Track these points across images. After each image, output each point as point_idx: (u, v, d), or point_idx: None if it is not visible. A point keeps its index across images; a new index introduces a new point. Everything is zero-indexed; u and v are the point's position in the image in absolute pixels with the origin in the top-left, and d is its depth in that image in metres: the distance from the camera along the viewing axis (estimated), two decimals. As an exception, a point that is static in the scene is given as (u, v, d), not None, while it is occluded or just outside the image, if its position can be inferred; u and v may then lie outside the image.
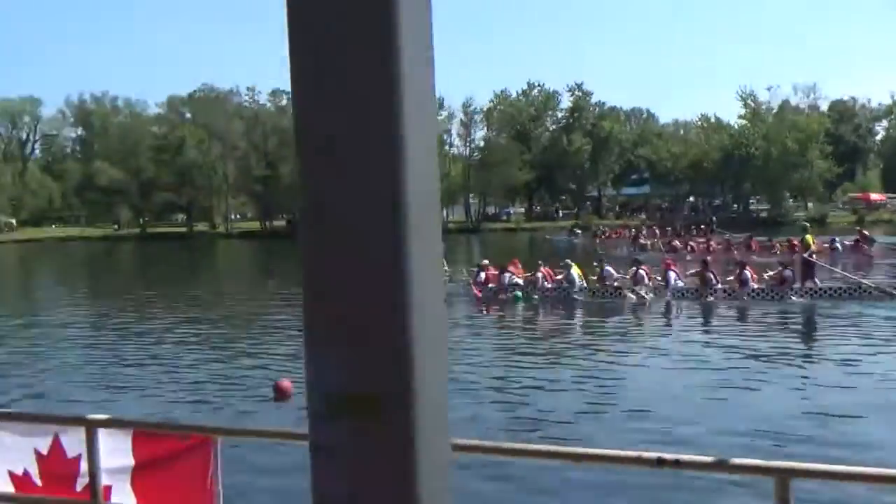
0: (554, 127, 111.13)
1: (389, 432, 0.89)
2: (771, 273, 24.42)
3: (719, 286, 23.99)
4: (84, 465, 3.88)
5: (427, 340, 0.89)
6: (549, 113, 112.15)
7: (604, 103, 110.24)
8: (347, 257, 0.88)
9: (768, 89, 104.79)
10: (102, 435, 3.80)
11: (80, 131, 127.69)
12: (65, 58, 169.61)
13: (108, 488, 3.92)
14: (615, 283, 25.31)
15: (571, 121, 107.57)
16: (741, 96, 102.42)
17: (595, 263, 27.09)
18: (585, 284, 25.51)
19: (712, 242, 41.90)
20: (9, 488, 4.15)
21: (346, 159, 0.86)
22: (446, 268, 27.59)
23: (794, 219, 79.47)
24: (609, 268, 25.99)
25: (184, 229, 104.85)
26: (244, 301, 27.26)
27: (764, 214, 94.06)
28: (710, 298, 23.60)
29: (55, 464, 4.07)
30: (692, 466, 2.99)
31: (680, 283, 24.92)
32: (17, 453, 4.13)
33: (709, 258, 27.42)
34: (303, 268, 0.85)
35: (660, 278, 25.15)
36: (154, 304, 27.52)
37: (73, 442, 3.98)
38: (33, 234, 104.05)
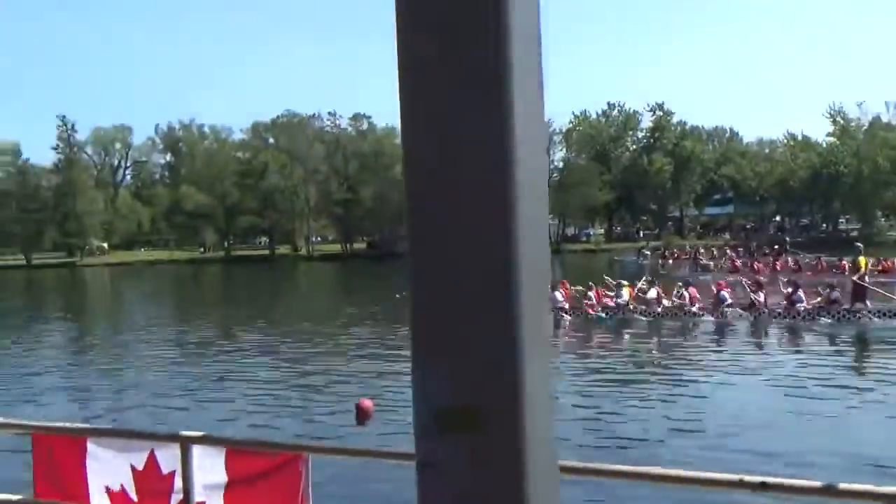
0: (634, 147, 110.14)
1: (496, 447, 0.87)
2: (820, 295, 24.12)
3: (765, 308, 23.82)
4: (178, 481, 3.93)
5: (534, 354, 0.87)
6: (630, 133, 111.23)
7: (685, 122, 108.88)
8: (455, 270, 0.85)
9: (858, 105, 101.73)
10: (196, 451, 3.85)
11: (168, 157, 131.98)
12: (154, 86, 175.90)
13: (202, 504, 3.96)
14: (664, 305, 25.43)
15: (652, 141, 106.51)
16: (830, 113, 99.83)
17: (680, 284, 27.01)
18: (632, 305, 25.82)
19: (779, 262, 41.30)
20: (105, 503, 4.24)
21: (454, 177, 0.84)
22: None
23: (885, 238, 76.88)
24: (687, 291, 25.91)
25: (266, 252, 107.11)
26: (326, 321, 27.56)
27: (854, 233, 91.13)
28: (756, 317, 23.55)
29: (150, 479, 4.13)
30: (796, 491, 2.86)
31: (730, 303, 24.70)
32: (114, 468, 4.21)
33: (760, 278, 27.44)
34: (410, 282, 0.88)
35: (711, 299, 25.16)
36: (240, 324, 28.07)
37: (168, 458, 4.04)
38: (124, 258, 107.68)
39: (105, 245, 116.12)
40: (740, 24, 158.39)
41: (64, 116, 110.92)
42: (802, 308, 23.25)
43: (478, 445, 0.87)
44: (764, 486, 2.79)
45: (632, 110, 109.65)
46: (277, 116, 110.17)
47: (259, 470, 3.87)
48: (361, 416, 12.05)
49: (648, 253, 62.50)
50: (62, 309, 41.78)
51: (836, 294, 23.46)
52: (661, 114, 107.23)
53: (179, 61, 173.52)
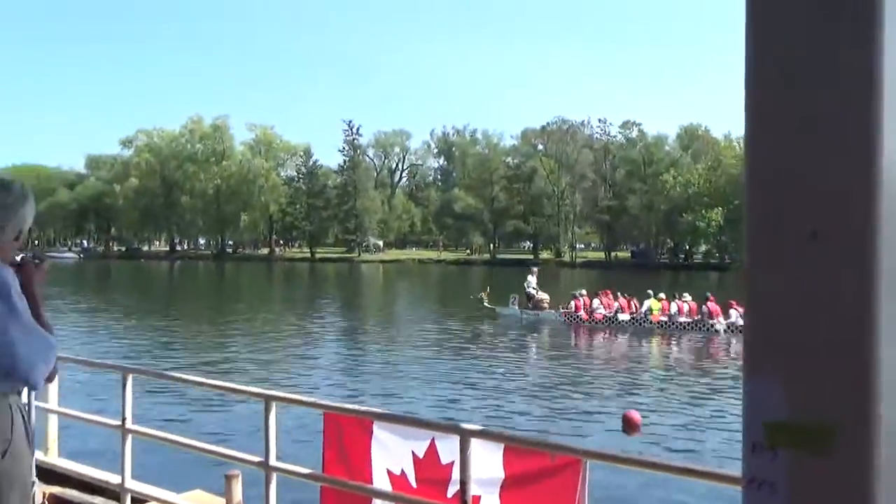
0: None
1: (843, 469, 0.78)
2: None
3: None
4: (456, 473, 4.00)
5: (892, 365, 0.78)
6: None
7: None
8: (798, 270, 0.79)
9: None
10: (475, 445, 3.89)
11: (441, 161, 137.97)
12: (434, 92, 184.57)
13: (477, 498, 3.99)
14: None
15: None
16: None
17: None
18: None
19: None
20: (387, 486, 4.42)
21: (810, 182, 0.79)
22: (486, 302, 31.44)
23: None
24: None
25: (530, 256, 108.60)
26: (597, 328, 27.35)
27: None
28: None
29: (430, 468, 4.24)
30: None
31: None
32: (397, 453, 4.37)
33: None
34: (747, 284, 0.80)
35: None
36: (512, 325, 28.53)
37: (448, 449, 4.13)
38: (396, 255, 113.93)
39: (381, 242, 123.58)
40: None
41: (350, 121, 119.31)
42: None
43: (820, 465, 0.79)
44: None
45: None
46: (548, 123, 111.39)
47: (536, 470, 3.84)
48: (628, 427, 11.82)
49: None
50: (343, 300, 44.87)
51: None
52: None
53: (458, 68, 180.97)
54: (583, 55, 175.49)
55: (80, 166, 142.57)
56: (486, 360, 20.19)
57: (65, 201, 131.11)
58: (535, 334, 26.94)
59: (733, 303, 25.68)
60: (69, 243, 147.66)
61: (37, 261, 3.19)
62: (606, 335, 26.06)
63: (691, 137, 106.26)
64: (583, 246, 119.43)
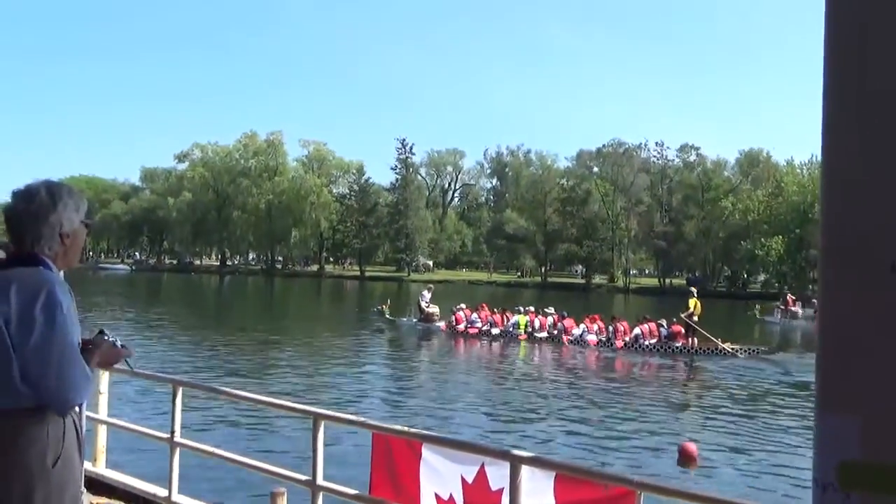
0: None
1: None
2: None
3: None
4: (506, 500, 3.96)
5: None
6: None
7: None
8: (878, 302, 0.74)
9: None
10: (525, 472, 3.85)
11: (494, 182, 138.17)
12: (488, 112, 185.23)
13: (528, 527, 3.94)
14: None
15: None
16: None
17: None
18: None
19: None
20: (434, 510, 4.39)
21: (886, 217, 0.75)
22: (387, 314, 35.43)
23: None
24: None
25: (582, 281, 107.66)
26: (644, 357, 27.00)
27: None
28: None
29: (479, 494, 4.21)
30: None
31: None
32: (446, 477, 4.35)
33: None
34: (820, 314, 0.75)
35: None
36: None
37: (498, 475, 4.09)
38: (446, 276, 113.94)
39: (430, 262, 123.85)
40: None
41: (403, 139, 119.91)
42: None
43: None
44: None
45: None
46: (603, 145, 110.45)
47: (588, 500, 3.78)
48: (684, 460, 11.63)
49: None
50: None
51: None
52: None
53: (510, 88, 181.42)
54: (642, 80, 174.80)
55: (135, 179, 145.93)
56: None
57: (119, 213, 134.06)
58: (425, 342, 30.72)
59: (596, 317, 30.71)
60: (122, 255, 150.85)
61: (117, 344, 3.19)
62: (481, 344, 29.97)
63: (752, 163, 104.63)
64: (636, 272, 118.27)
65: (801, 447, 12.87)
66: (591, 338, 29.13)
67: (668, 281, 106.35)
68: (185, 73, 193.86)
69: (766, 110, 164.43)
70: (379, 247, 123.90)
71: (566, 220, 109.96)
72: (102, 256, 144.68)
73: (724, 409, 17.04)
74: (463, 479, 4.28)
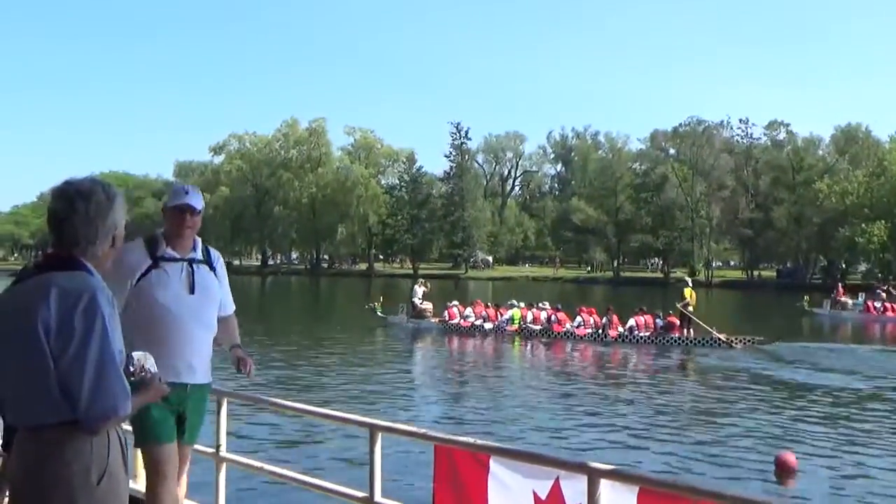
0: None
1: None
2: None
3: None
4: (584, 517, 3.93)
5: None
6: None
7: None
8: None
9: None
10: (605, 487, 3.82)
11: (559, 168, 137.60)
12: (549, 92, 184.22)
13: (608, 547, 3.92)
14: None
15: None
16: None
17: None
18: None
19: None
20: (505, 528, 4.39)
21: None
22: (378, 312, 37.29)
23: None
24: None
25: (660, 275, 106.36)
26: (731, 360, 26.64)
27: None
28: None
29: (553, 510, 4.19)
30: None
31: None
32: (516, 492, 4.33)
33: None
34: None
35: None
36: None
37: (574, 490, 4.06)
38: (507, 272, 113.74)
39: (490, 258, 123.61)
40: None
41: (458, 123, 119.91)
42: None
43: None
44: None
45: None
46: (680, 124, 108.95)
47: (676, 517, 3.74)
48: (782, 472, 11.48)
49: None
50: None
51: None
52: None
53: (577, 66, 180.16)
54: (721, 51, 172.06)
55: (168, 174, 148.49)
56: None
57: (152, 212, 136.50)
58: (418, 340, 32.09)
59: (583, 309, 32.52)
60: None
61: (160, 381, 3.26)
62: (475, 340, 31.84)
63: (849, 139, 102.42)
64: (720, 264, 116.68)
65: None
66: (585, 330, 31.11)
67: (755, 273, 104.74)
68: (220, 60, 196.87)
69: (864, 82, 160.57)
70: (433, 242, 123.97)
71: (640, 209, 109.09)
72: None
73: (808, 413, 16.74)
74: (535, 495, 4.27)
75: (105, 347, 2.82)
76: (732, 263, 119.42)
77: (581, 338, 30.84)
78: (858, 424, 15.73)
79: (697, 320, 30.46)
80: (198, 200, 4.79)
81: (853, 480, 11.61)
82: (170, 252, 4.69)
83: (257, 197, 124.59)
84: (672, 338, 29.61)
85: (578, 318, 31.85)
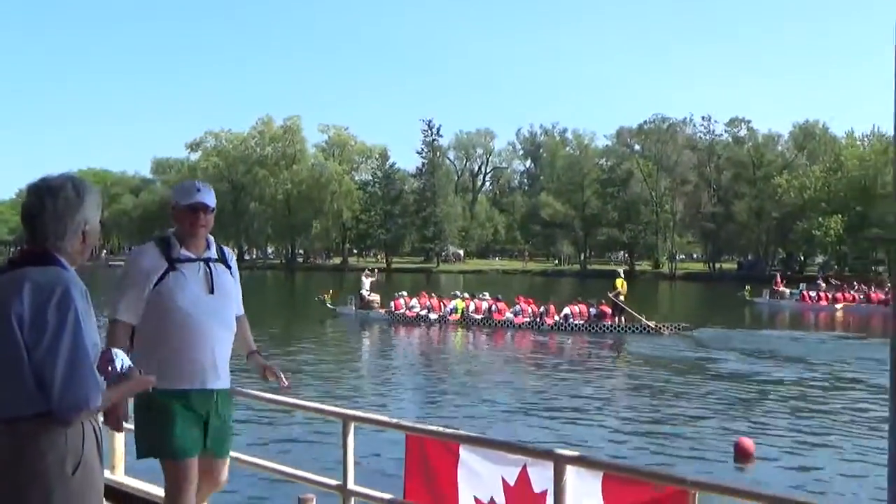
0: None
1: None
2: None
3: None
4: (550, 502, 3.96)
5: None
6: None
7: None
8: None
9: None
10: (571, 473, 3.84)
11: (528, 164, 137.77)
12: (517, 89, 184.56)
13: (575, 532, 3.94)
14: None
15: None
16: None
17: None
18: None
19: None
20: (473, 515, 4.41)
21: None
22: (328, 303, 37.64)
23: None
24: None
25: (625, 268, 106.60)
26: (704, 348, 26.85)
27: None
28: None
29: (521, 496, 4.21)
30: None
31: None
32: (485, 480, 4.36)
33: None
34: (894, 301, 0.69)
35: None
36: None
37: (541, 476, 4.09)
38: (478, 265, 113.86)
39: (461, 252, 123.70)
40: None
41: (430, 120, 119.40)
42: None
43: None
44: None
45: None
46: (645, 121, 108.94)
47: (639, 502, 3.77)
48: (741, 456, 11.64)
49: None
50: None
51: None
52: None
53: (545, 64, 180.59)
54: (684, 49, 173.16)
55: (146, 171, 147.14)
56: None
57: (129, 208, 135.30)
58: (366, 329, 33.15)
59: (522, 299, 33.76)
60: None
61: (123, 366, 3.13)
62: (420, 329, 32.74)
63: (807, 136, 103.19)
64: (683, 256, 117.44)
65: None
66: (524, 319, 32.47)
67: (717, 266, 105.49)
68: (196, 56, 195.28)
69: (819, 81, 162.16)
70: (405, 236, 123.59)
71: (606, 203, 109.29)
72: (110, 253, 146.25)
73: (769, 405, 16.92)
74: (504, 481, 4.29)
75: (78, 340, 2.80)
76: (695, 256, 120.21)
77: (519, 326, 32.20)
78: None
79: (629, 309, 31.98)
80: (210, 197, 4.60)
81: (798, 458, 11.81)
82: (185, 253, 4.45)
83: (233, 193, 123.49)
84: (604, 325, 31.06)
85: (517, 307, 33.23)
